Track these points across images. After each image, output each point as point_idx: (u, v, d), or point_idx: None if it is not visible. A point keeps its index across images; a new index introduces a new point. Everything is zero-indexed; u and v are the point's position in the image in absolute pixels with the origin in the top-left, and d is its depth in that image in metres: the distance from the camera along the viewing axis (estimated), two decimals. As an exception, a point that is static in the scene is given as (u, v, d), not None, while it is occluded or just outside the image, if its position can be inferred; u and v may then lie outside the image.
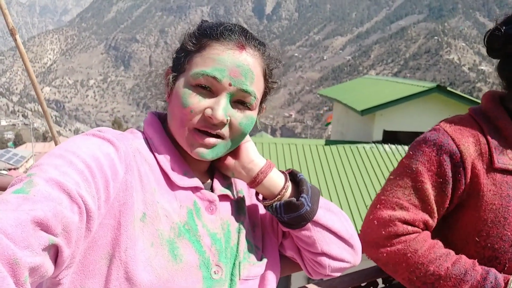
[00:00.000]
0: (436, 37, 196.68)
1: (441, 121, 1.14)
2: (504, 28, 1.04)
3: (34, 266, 0.57)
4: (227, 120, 0.83)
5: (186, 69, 0.84)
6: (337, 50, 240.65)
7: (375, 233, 1.12)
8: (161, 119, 0.93)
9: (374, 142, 10.40)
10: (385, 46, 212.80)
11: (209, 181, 0.94)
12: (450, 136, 1.07)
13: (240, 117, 0.84)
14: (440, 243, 1.09)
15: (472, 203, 1.07)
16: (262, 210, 1.01)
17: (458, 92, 10.69)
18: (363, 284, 1.31)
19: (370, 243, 1.13)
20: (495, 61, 1.13)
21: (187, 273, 0.78)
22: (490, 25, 1.07)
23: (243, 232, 0.93)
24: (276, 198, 0.90)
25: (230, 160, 0.93)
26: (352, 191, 8.51)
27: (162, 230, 0.78)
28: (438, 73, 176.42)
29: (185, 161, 0.88)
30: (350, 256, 0.99)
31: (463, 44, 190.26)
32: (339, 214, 0.99)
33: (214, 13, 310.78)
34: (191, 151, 0.84)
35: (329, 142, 10.50)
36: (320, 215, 0.93)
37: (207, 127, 0.82)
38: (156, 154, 0.85)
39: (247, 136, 0.93)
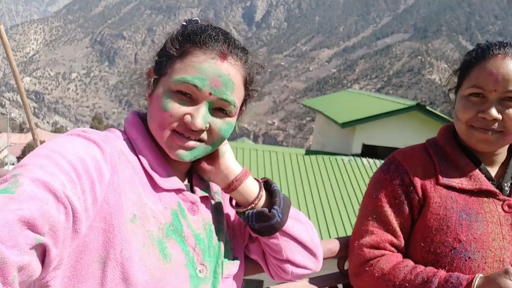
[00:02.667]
0: (419, 57, 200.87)
1: (393, 152, 1.32)
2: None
3: (22, 265, 0.57)
4: (206, 127, 0.84)
5: (168, 73, 0.84)
6: (323, 62, 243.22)
7: (352, 264, 1.25)
8: (142, 118, 0.93)
9: (353, 155, 10.60)
10: (370, 61, 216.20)
11: (187, 182, 0.96)
12: (400, 163, 1.26)
13: (220, 123, 0.86)
14: (407, 261, 1.18)
15: (422, 213, 1.21)
16: (231, 212, 1.04)
17: (436, 111, 11.00)
18: (323, 289, 1.33)
19: (351, 274, 1.25)
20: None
21: (177, 272, 0.80)
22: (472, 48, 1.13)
23: (223, 232, 0.95)
24: (249, 207, 0.93)
25: (207, 165, 0.95)
26: (328, 201, 8.65)
27: (152, 231, 0.79)
28: (420, 92, 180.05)
29: (167, 162, 0.89)
30: (313, 264, 1.04)
31: (445, 66, 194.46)
32: (307, 224, 1.03)
33: (203, 16, 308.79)
34: (170, 152, 0.85)
35: (309, 152, 10.65)
36: (289, 226, 0.96)
37: (186, 132, 0.84)
38: (140, 156, 0.85)
39: (226, 142, 0.95)
